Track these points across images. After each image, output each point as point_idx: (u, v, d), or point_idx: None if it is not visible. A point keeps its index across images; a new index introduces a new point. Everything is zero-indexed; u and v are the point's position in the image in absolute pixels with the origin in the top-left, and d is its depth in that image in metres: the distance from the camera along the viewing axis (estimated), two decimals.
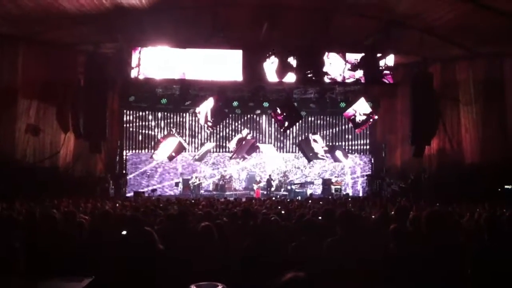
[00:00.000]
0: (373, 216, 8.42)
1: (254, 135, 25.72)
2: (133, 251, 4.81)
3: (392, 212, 6.77)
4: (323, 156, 24.04)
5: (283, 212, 11.02)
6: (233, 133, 25.76)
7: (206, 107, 20.86)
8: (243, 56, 17.95)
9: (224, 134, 26.16)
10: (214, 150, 25.85)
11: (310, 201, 16.09)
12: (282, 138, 26.74)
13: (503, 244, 4.90)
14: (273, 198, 19.52)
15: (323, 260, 4.71)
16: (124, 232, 5.46)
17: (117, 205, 13.48)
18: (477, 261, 4.73)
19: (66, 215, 6.19)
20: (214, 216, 8.19)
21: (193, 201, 16.67)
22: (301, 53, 18.24)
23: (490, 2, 14.07)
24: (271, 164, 26.30)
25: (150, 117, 25.45)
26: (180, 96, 22.42)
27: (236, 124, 26.28)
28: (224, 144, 26.03)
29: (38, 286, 4.00)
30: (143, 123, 25.39)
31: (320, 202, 15.54)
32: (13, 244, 4.80)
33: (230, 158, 24.73)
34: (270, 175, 24.95)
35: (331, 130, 26.83)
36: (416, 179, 20.98)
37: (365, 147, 26.91)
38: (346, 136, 26.76)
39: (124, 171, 24.08)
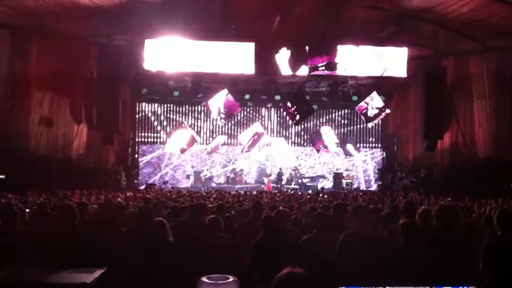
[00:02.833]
0: (384, 211, 8.37)
1: (264, 128, 25.57)
2: (144, 243, 4.84)
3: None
4: (335, 151, 23.92)
5: (294, 205, 11.05)
6: (244, 126, 25.69)
7: (218, 100, 20.84)
8: (255, 49, 17.91)
9: (235, 127, 26.14)
10: (226, 142, 25.83)
11: (321, 195, 16.04)
12: (295, 131, 26.62)
13: None
14: (284, 192, 19.50)
15: (334, 253, 4.73)
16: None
17: (128, 195, 13.56)
18: (488, 254, 4.72)
19: (78, 207, 6.23)
20: (226, 209, 8.22)
21: (204, 193, 16.73)
22: (313, 46, 18.15)
23: None
24: (282, 158, 26.21)
25: (162, 109, 25.55)
26: (192, 88, 22.43)
27: (247, 116, 26.25)
28: (235, 134, 25.95)
29: (50, 277, 4.04)
30: (156, 115, 25.49)
31: (325, 196, 15.42)
32: (24, 234, 4.88)
33: (242, 151, 24.69)
34: (280, 169, 24.91)
35: (342, 124, 26.63)
36: (428, 173, 20.85)
37: (376, 141, 26.78)
38: (358, 130, 26.58)
39: (137, 162, 24.25)
